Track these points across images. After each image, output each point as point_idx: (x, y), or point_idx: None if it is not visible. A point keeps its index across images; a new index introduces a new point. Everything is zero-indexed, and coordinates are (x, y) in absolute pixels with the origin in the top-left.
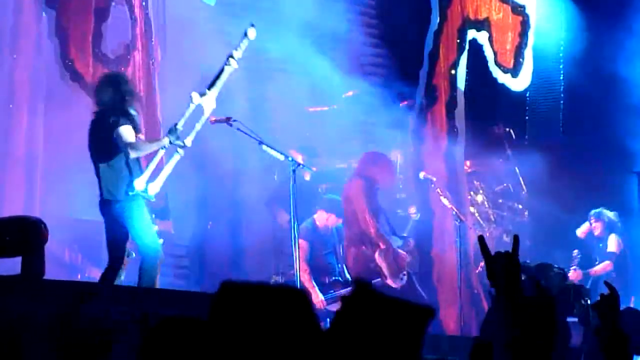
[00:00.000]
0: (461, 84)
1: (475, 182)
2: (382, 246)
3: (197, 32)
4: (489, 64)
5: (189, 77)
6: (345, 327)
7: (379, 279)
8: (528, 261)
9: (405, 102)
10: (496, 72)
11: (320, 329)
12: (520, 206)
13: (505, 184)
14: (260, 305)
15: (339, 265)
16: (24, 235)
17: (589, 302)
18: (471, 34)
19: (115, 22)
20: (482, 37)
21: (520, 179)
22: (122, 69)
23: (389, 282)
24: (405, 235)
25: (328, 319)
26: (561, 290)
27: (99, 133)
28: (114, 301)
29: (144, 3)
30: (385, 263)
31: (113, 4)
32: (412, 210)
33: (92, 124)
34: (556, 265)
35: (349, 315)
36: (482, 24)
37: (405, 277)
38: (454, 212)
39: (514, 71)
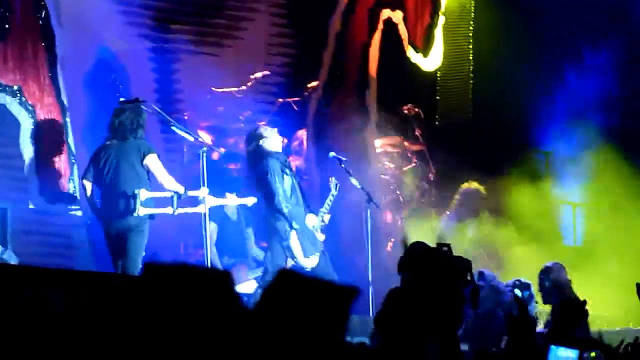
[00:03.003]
0: (373, 64)
1: (385, 162)
2: (296, 226)
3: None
4: (404, 43)
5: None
6: (269, 308)
7: (294, 260)
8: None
9: (314, 83)
10: (410, 52)
11: (245, 311)
12: (427, 186)
13: (413, 164)
14: (183, 285)
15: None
16: None
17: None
18: (385, 13)
19: None
20: (396, 16)
21: (429, 159)
22: None
23: (302, 262)
24: (324, 211)
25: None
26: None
27: None
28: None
29: None
30: (299, 243)
31: None
32: (332, 183)
33: None
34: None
35: (273, 297)
36: (396, 3)
37: (317, 257)
38: (364, 192)
39: (425, 51)
